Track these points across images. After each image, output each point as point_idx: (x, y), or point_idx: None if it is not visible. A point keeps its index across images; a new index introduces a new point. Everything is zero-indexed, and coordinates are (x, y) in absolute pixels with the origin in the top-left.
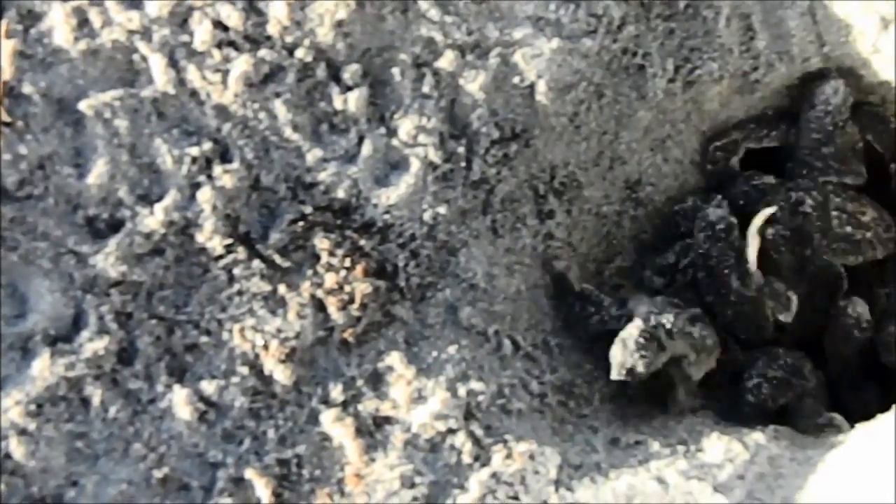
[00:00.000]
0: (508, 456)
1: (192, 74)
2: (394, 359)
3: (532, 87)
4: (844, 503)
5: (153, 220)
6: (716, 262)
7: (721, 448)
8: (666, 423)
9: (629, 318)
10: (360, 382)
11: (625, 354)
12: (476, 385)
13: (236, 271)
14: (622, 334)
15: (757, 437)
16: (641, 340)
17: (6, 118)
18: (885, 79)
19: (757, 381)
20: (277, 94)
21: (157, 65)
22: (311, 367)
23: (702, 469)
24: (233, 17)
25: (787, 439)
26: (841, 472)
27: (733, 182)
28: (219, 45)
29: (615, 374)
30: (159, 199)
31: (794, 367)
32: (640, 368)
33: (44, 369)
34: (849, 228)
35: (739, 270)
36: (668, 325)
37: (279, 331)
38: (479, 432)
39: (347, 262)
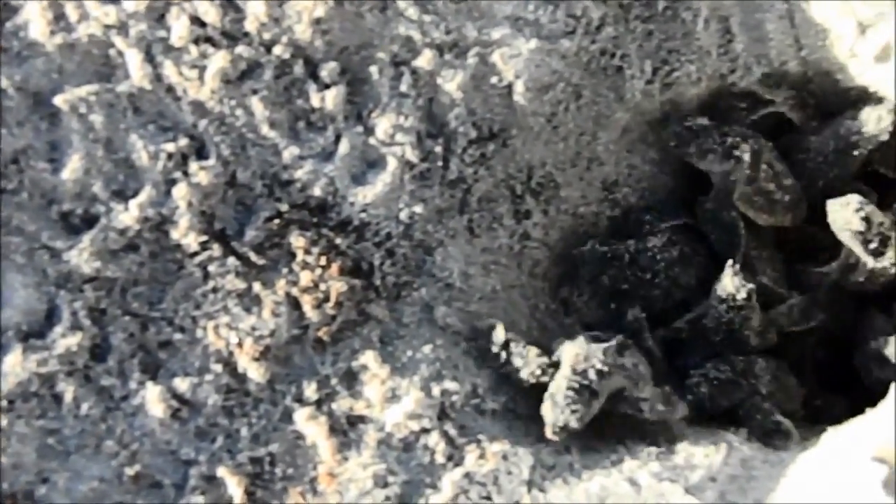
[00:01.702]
0: (482, 456)
1: (169, 70)
2: (368, 358)
3: (510, 87)
4: None
5: (128, 215)
6: (738, 326)
7: (693, 450)
8: (640, 425)
9: (556, 368)
10: (334, 381)
11: (556, 413)
12: (450, 385)
13: (211, 268)
14: (551, 389)
15: (730, 438)
16: (571, 394)
17: None
18: (862, 83)
19: (697, 381)
20: (255, 91)
21: (134, 60)
22: (286, 365)
23: (674, 471)
24: (210, 13)
25: (759, 441)
26: (812, 474)
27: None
28: (196, 41)
29: (549, 434)
30: (134, 194)
31: (745, 370)
32: (574, 423)
33: (16, 365)
34: (772, 186)
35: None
36: (599, 366)
37: (253, 328)
38: (452, 432)
39: (323, 261)
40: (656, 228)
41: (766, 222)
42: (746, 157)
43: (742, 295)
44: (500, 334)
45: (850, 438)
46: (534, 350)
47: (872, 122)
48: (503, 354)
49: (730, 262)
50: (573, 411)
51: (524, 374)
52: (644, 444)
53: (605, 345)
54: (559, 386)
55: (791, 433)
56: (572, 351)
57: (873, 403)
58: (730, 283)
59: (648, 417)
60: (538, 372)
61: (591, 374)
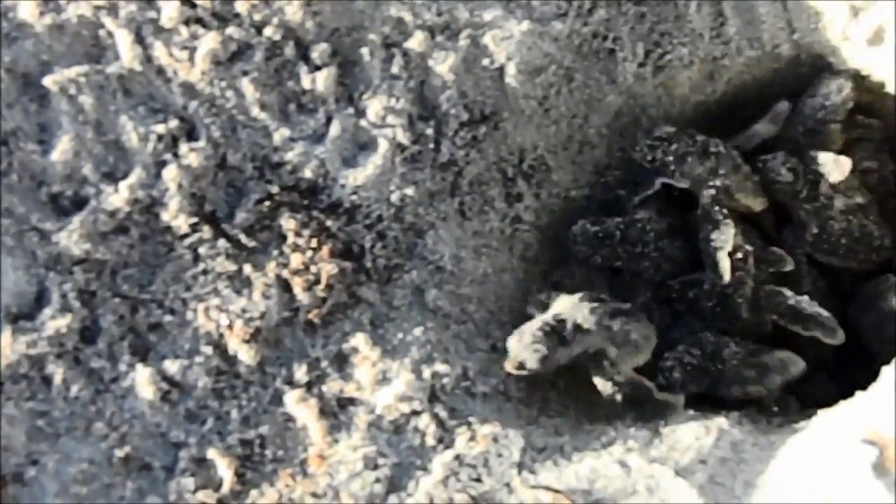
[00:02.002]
0: (472, 438)
1: (159, 51)
2: (359, 340)
3: (502, 69)
4: (805, 488)
5: (118, 197)
6: (731, 291)
7: (684, 432)
8: (630, 407)
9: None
10: (324, 363)
11: (518, 347)
12: (441, 367)
13: (201, 250)
14: (522, 327)
15: (720, 421)
16: (539, 333)
17: None
18: (854, 67)
19: (671, 364)
20: (245, 73)
21: (124, 41)
22: (276, 347)
23: (664, 453)
24: None
25: (750, 424)
26: (803, 456)
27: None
28: (186, 22)
29: (508, 367)
30: (124, 176)
31: (714, 352)
32: (532, 364)
33: (5, 347)
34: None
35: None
36: (580, 320)
37: (244, 311)
38: (443, 414)
39: (314, 243)
40: (632, 203)
41: (761, 206)
42: (723, 149)
43: (738, 255)
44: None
45: (841, 421)
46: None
47: (833, 93)
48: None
49: (728, 221)
50: (535, 350)
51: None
52: (634, 427)
53: (598, 305)
54: (531, 325)
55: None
56: (564, 302)
57: (864, 386)
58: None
59: (617, 392)
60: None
61: (569, 325)
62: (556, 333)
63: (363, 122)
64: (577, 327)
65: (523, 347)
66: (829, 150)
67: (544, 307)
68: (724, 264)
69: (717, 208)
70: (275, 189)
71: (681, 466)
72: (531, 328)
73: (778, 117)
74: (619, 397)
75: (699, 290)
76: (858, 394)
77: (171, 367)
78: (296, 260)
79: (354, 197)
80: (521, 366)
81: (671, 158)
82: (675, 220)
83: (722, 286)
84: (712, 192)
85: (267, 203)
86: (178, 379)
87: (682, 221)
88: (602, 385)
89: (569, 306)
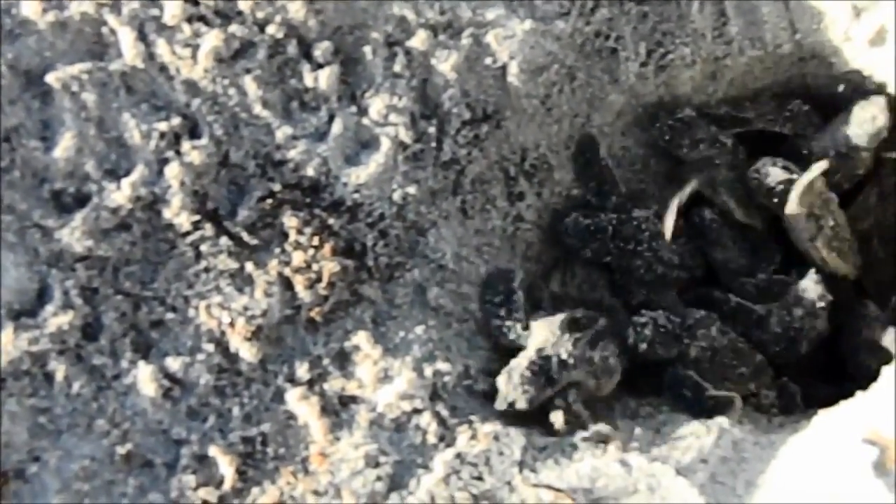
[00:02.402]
0: (473, 437)
1: (162, 49)
2: (360, 338)
3: (504, 68)
4: (805, 487)
5: (120, 195)
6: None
7: (685, 432)
8: (631, 407)
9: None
10: (326, 361)
11: (508, 387)
12: (442, 366)
13: (203, 248)
14: (511, 364)
15: (721, 421)
16: (528, 374)
17: None
18: (856, 67)
19: (645, 321)
20: (248, 71)
21: (127, 38)
22: (278, 345)
23: (665, 452)
24: None
25: (750, 424)
26: (803, 456)
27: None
28: (189, 20)
29: (498, 405)
30: (127, 173)
31: (690, 326)
32: (522, 404)
33: (7, 343)
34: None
35: None
36: (565, 356)
37: (246, 308)
38: (444, 413)
39: (316, 241)
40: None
41: (742, 217)
42: (729, 142)
43: (820, 304)
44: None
45: (841, 421)
46: (514, 320)
47: (868, 122)
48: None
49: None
50: (524, 392)
51: (504, 340)
52: (636, 426)
53: (579, 335)
54: (519, 363)
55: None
56: (544, 332)
57: (861, 388)
58: (812, 288)
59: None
60: (513, 336)
61: (554, 363)
62: (543, 373)
63: (365, 121)
64: (563, 364)
65: (513, 388)
66: (857, 175)
67: (517, 336)
68: (668, 223)
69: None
70: (277, 187)
71: (682, 465)
72: (519, 368)
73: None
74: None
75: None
76: (859, 394)
77: (173, 364)
78: (298, 258)
79: (356, 195)
80: (510, 405)
81: (686, 141)
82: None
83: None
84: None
85: (269, 201)
86: (180, 376)
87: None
88: (557, 421)
89: (550, 338)
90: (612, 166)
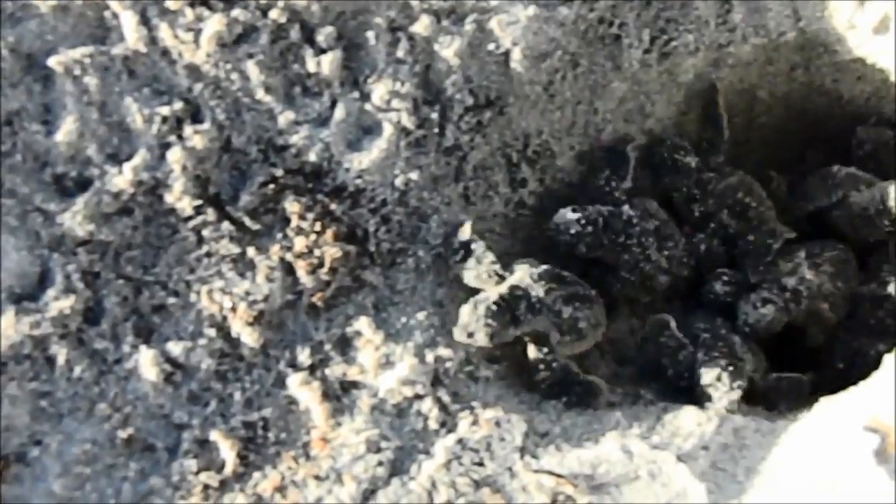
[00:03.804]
0: (475, 422)
1: (164, 33)
2: (362, 324)
3: (507, 54)
4: (807, 474)
5: (122, 179)
6: None
7: (686, 418)
8: (632, 393)
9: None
10: (327, 347)
11: (471, 317)
12: (444, 351)
13: (205, 233)
14: (478, 296)
15: (722, 408)
16: (493, 308)
17: None
18: (860, 55)
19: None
20: (250, 55)
21: (129, 22)
22: (279, 330)
23: (666, 439)
24: None
25: (751, 411)
26: (805, 443)
27: None
28: (192, 4)
29: (457, 335)
30: (128, 158)
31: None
32: (481, 338)
33: (8, 327)
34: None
35: None
36: (534, 299)
37: (247, 293)
38: (445, 398)
39: (318, 226)
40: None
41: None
42: (697, 213)
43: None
44: (465, 231)
45: (843, 408)
46: (491, 256)
47: (892, 198)
48: (461, 254)
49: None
50: (486, 325)
51: (469, 276)
52: (637, 412)
53: (556, 286)
54: (487, 296)
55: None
56: (523, 273)
57: (864, 376)
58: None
59: (547, 374)
60: (484, 276)
61: (522, 304)
62: (510, 311)
63: (368, 106)
64: (530, 307)
65: (475, 319)
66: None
67: (500, 278)
68: None
69: None
70: (279, 172)
71: (683, 452)
72: (486, 301)
73: None
74: (545, 378)
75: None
76: (860, 382)
77: (175, 348)
78: (300, 243)
79: (359, 181)
80: (469, 336)
81: (667, 180)
82: (666, 225)
83: None
84: None
85: (271, 186)
86: (182, 361)
87: (672, 228)
88: (534, 363)
89: (527, 280)
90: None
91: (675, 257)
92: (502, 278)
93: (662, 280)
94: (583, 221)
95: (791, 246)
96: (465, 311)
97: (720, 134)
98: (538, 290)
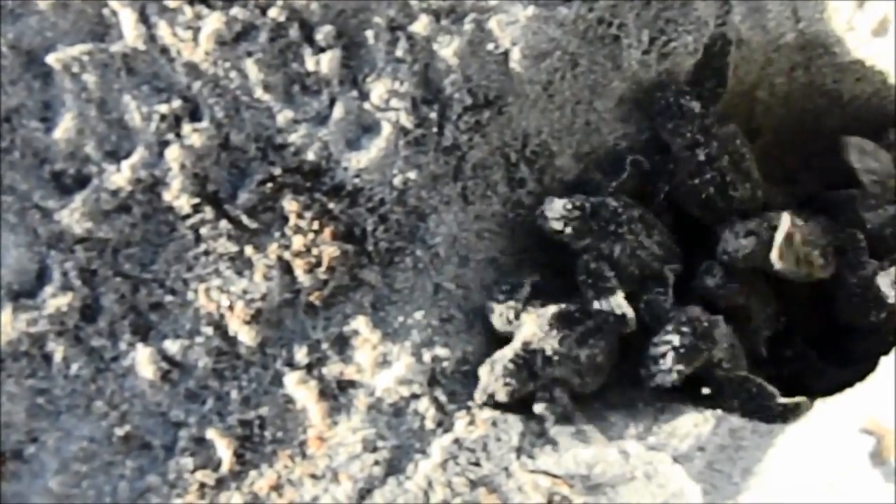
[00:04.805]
0: (471, 422)
1: (163, 31)
2: (360, 323)
3: (506, 53)
4: (803, 476)
5: (120, 177)
6: None
7: (683, 420)
8: (629, 394)
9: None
10: (325, 346)
11: (489, 379)
12: (441, 351)
13: (203, 231)
14: (495, 356)
15: (719, 409)
16: (510, 367)
17: None
18: (859, 57)
19: (662, 351)
20: (249, 54)
21: (128, 20)
22: (277, 329)
23: (663, 440)
24: None
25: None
26: (801, 444)
27: None
28: (191, 2)
29: (478, 397)
30: (127, 155)
31: (705, 333)
32: (502, 396)
33: (6, 324)
34: (711, 190)
35: None
36: (549, 352)
37: (245, 292)
38: (442, 398)
39: (316, 225)
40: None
41: (701, 218)
42: (701, 156)
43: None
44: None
45: (839, 410)
46: (507, 305)
47: None
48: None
49: None
50: (506, 384)
51: (499, 324)
52: (633, 413)
53: (568, 332)
54: (504, 355)
55: (770, 393)
56: (532, 326)
57: (862, 376)
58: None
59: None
60: (499, 323)
61: (538, 359)
62: (527, 367)
63: (367, 105)
64: (547, 360)
65: (494, 380)
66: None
67: (508, 323)
68: None
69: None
70: (277, 170)
71: (679, 453)
72: (503, 360)
73: None
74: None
75: None
76: (857, 384)
77: (172, 346)
78: (297, 242)
79: (357, 180)
80: (490, 397)
81: (670, 127)
82: (648, 215)
83: None
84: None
85: (269, 184)
86: (179, 359)
87: (654, 219)
88: (539, 410)
89: (538, 333)
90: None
91: (664, 244)
92: (510, 322)
93: (656, 267)
94: (569, 207)
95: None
96: (484, 372)
97: (723, 84)
98: (551, 343)
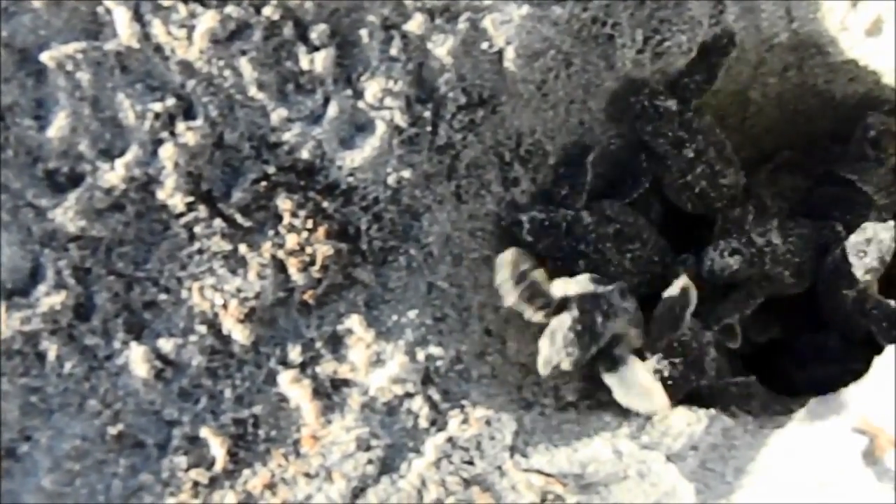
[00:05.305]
0: (465, 421)
1: (157, 29)
2: (353, 321)
3: (501, 53)
4: (796, 475)
5: (114, 175)
6: None
7: (676, 419)
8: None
9: (562, 305)
10: (318, 344)
11: (552, 350)
12: (435, 350)
13: (197, 229)
14: (553, 325)
15: (712, 410)
16: (572, 334)
17: None
18: (853, 57)
19: (659, 367)
20: (243, 52)
21: (122, 18)
22: (270, 327)
23: (656, 438)
24: None
25: (741, 411)
26: (793, 444)
27: None
28: (185, 0)
29: (542, 371)
30: (121, 154)
31: (695, 361)
32: (567, 365)
33: None
34: (704, 184)
35: None
36: (606, 306)
37: (239, 290)
38: (436, 397)
39: (310, 224)
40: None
41: (694, 211)
42: (690, 153)
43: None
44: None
45: (832, 409)
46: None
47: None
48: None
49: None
50: (568, 353)
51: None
52: (627, 412)
53: (611, 286)
54: (562, 323)
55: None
56: (578, 289)
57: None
58: None
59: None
60: (539, 316)
61: (597, 316)
62: (587, 330)
63: (361, 104)
64: (605, 315)
65: (556, 351)
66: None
67: (539, 294)
68: None
69: None
70: (271, 169)
71: (672, 452)
72: (562, 328)
73: None
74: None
75: None
76: (851, 383)
77: (166, 345)
78: (291, 240)
79: (351, 178)
80: (555, 368)
81: (649, 129)
82: (630, 226)
83: None
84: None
85: (263, 183)
86: (172, 357)
87: (639, 228)
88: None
89: (587, 292)
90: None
91: (643, 258)
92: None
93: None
94: (546, 223)
95: (765, 217)
96: (544, 345)
97: (711, 81)
98: (604, 298)
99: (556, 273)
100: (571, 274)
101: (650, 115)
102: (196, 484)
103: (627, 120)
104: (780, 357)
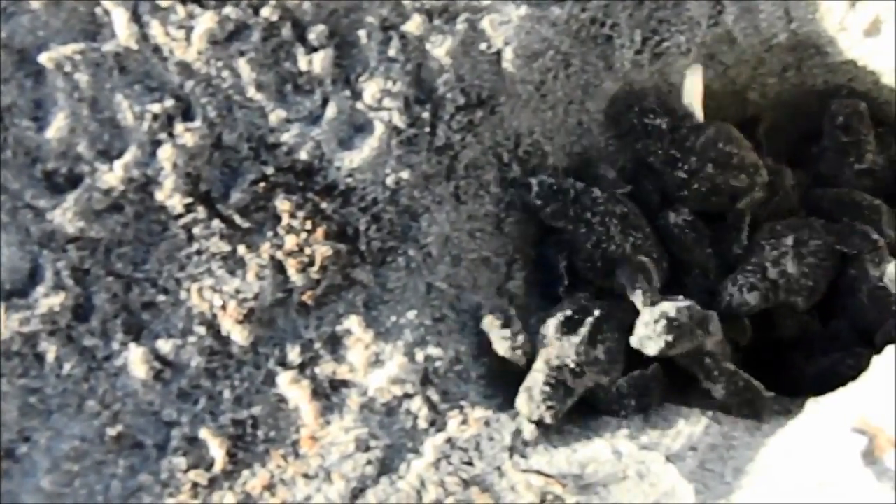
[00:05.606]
0: (464, 422)
1: (156, 30)
2: (352, 322)
3: (499, 53)
4: (795, 475)
5: (112, 176)
6: None
7: (675, 420)
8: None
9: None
10: (317, 345)
11: (531, 407)
12: (434, 351)
13: (196, 230)
14: (527, 382)
15: (710, 410)
16: (547, 390)
17: None
18: (851, 57)
19: (656, 317)
20: (242, 53)
21: (120, 19)
22: (269, 328)
23: (655, 439)
24: None
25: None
26: (792, 444)
27: None
28: (183, 1)
29: (524, 428)
30: (119, 155)
31: (702, 318)
32: (549, 419)
33: None
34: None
35: None
36: (572, 365)
37: (237, 291)
38: (435, 397)
39: (308, 225)
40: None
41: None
42: (682, 174)
43: None
44: (487, 323)
45: (831, 409)
46: (510, 331)
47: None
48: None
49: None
50: (549, 407)
51: (497, 342)
52: (626, 414)
53: (576, 337)
54: (535, 380)
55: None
56: (550, 346)
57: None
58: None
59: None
60: (517, 352)
61: (566, 373)
62: (561, 385)
63: (359, 105)
64: (574, 372)
65: (536, 406)
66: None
67: (525, 348)
68: None
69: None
70: (270, 170)
71: (671, 452)
72: (537, 384)
73: None
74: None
75: None
76: (850, 383)
77: (165, 346)
78: (290, 241)
79: (350, 179)
80: (538, 424)
81: (639, 147)
82: (636, 216)
83: None
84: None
85: (262, 184)
86: (171, 358)
87: (641, 220)
88: (627, 403)
89: (552, 349)
90: None
91: (642, 247)
92: (530, 352)
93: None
94: (555, 187)
95: (778, 229)
96: (522, 403)
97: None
98: (569, 356)
99: (559, 244)
100: (572, 244)
101: (638, 133)
102: (195, 485)
103: (618, 135)
104: (790, 350)
